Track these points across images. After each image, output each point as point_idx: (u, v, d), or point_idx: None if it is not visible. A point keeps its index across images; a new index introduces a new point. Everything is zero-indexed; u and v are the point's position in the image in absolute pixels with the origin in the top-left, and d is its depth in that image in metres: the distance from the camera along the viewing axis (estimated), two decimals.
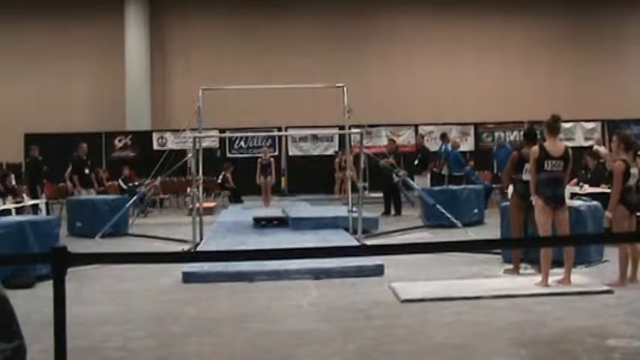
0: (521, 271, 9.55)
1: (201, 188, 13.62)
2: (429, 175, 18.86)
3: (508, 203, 10.27)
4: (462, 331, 6.69)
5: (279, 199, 22.09)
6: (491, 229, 13.76)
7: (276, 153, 24.32)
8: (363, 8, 26.17)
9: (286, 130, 23.41)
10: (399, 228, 14.88)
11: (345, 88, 14.08)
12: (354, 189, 13.76)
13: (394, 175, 16.05)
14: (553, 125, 8.91)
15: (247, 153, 24.47)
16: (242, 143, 24.80)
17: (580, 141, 24.60)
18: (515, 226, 9.69)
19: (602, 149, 19.55)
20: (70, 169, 18.45)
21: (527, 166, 9.27)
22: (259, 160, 20.32)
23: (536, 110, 23.77)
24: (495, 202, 19.01)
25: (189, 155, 13.58)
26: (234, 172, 22.40)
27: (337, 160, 23.35)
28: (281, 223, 14.92)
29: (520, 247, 9.35)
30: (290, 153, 25.04)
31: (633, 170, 8.67)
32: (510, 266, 9.69)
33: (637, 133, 25.09)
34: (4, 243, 9.34)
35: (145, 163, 21.19)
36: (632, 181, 8.67)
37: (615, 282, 8.49)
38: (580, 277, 8.98)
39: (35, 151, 20.21)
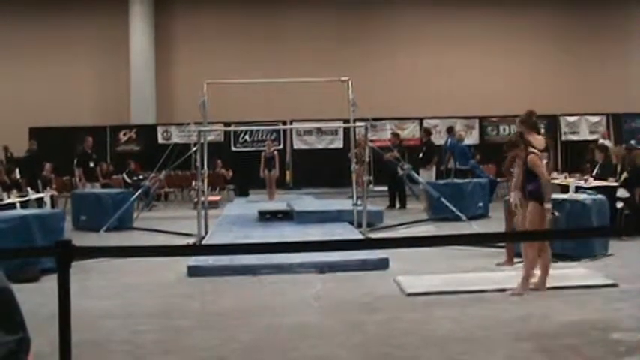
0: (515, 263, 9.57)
1: (206, 182, 13.62)
2: (434, 169, 18.83)
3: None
4: (466, 324, 6.70)
5: (284, 192, 22.09)
6: (495, 222, 13.75)
7: (281, 147, 24.28)
8: (369, 2, 26.12)
9: (291, 124, 23.39)
10: (403, 221, 14.87)
11: (350, 82, 14.06)
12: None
13: (399, 169, 16.06)
14: (531, 120, 8.98)
15: (252, 147, 24.42)
16: (247, 137, 24.79)
17: (585, 135, 24.60)
18: (510, 221, 9.76)
19: (608, 143, 19.53)
20: (75, 162, 18.51)
21: None
22: (263, 153, 20.31)
23: (541, 104, 23.73)
24: (500, 195, 18.99)
25: (194, 149, 13.58)
26: (227, 166, 22.46)
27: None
28: (286, 216, 14.94)
29: (524, 240, 9.34)
30: (295, 147, 25.01)
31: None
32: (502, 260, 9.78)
33: None
34: (9, 236, 9.38)
35: (149, 156, 21.20)
36: None
37: (520, 287, 7.97)
38: (584, 271, 8.99)
39: (34, 144, 20.27)
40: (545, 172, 8.25)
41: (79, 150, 18.60)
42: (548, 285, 8.11)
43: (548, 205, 8.07)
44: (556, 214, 8.62)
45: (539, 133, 9.43)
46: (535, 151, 8.27)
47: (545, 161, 8.42)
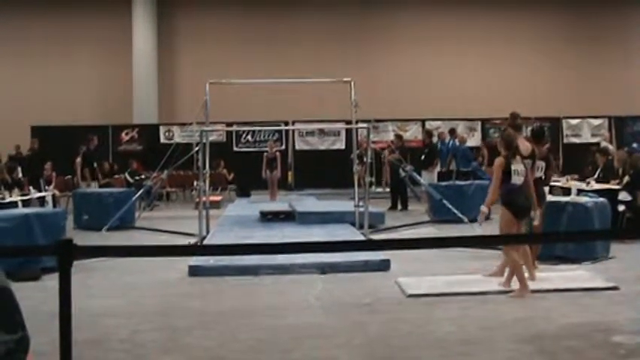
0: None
1: (207, 182, 13.61)
2: (436, 171, 18.81)
3: None
4: (467, 326, 6.69)
5: (286, 193, 22.09)
6: (496, 224, 13.70)
7: (283, 147, 24.29)
8: (371, 3, 26.12)
9: (293, 125, 23.38)
10: (405, 223, 14.86)
11: (352, 83, 14.06)
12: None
13: (401, 170, 16.05)
14: (515, 123, 8.94)
15: (254, 147, 24.43)
16: (249, 137, 24.79)
17: (587, 137, 24.59)
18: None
19: (609, 146, 19.49)
20: (79, 160, 18.55)
21: (538, 164, 9.21)
22: (265, 154, 20.29)
23: (544, 106, 23.80)
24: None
25: (196, 149, 13.57)
26: (228, 166, 22.44)
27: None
28: (287, 217, 14.93)
29: (524, 243, 9.33)
30: (297, 147, 25.02)
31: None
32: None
33: None
34: (11, 235, 9.38)
35: (151, 156, 21.20)
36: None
37: (519, 291, 7.92)
38: (586, 273, 8.98)
39: (36, 143, 20.29)
40: (499, 178, 8.17)
41: (84, 149, 18.63)
42: (549, 287, 8.11)
43: (483, 208, 8.44)
44: (479, 225, 8.83)
45: (540, 142, 9.32)
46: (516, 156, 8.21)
47: (521, 167, 8.26)
